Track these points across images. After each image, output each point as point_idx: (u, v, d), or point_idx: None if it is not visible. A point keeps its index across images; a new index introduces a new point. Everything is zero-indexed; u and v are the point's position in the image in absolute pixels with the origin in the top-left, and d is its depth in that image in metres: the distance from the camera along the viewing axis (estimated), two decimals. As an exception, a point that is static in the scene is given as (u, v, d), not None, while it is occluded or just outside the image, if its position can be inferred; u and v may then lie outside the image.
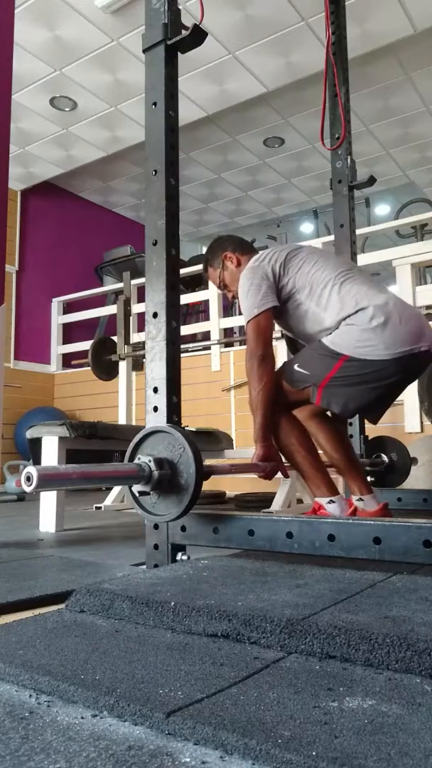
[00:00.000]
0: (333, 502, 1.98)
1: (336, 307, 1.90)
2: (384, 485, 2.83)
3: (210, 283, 5.21)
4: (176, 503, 1.37)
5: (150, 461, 1.35)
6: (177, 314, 1.57)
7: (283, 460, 2.03)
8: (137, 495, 1.41)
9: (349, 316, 1.87)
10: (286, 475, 2.15)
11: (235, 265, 2.20)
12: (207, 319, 5.38)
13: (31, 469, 1.14)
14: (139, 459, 1.39)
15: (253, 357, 1.94)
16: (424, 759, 0.55)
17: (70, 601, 1.16)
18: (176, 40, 1.59)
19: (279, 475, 3.26)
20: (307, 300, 1.97)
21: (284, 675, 0.79)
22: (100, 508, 3.58)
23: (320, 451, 2.06)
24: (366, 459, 2.80)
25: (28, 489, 1.14)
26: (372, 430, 2.90)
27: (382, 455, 2.84)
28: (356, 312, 1.86)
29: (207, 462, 1.64)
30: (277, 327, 2.23)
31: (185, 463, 1.35)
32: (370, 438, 2.87)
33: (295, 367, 1.96)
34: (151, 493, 1.39)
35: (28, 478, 1.13)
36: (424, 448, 3.43)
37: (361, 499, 2.06)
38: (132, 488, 1.42)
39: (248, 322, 1.98)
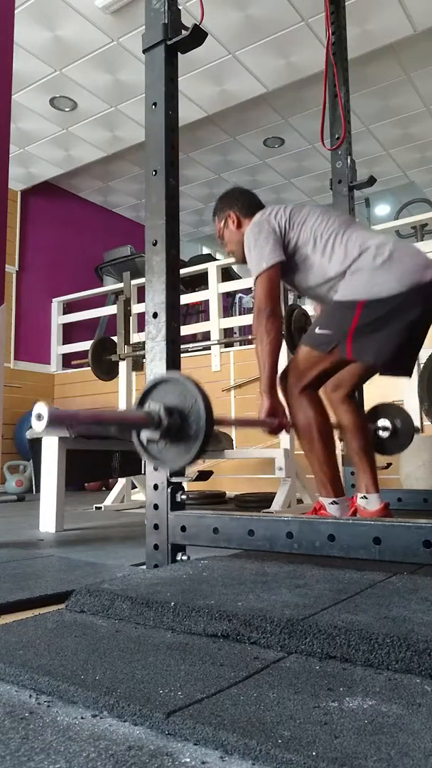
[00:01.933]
0: (336, 503, 1.97)
1: (340, 255, 1.90)
2: (386, 452, 2.82)
3: (210, 284, 5.23)
4: (184, 452, 1.33)
5: (160, 408, 1.33)
6: (177, 314, 1.57)
7: (293, 427, 1.99)
8: (145, 443, 1.38)
9: (354, 262, 1.87)
10: (288, 431, 2.09)
11: (235, 226, 2.18)
12: (207, 319, 5.38)
13: (42, 407, 1.11)
14: (149, 406, 1.36)
15: (262, 312, 1.92)
16: (424, 759, 0.55)
17: (70, 602, 1.16)
18: (176, 40, 1.59)
19: (279, 475, 3.28)
20: (313, 252, 1.96)
21: (284, 675, 0.79)
22: (100, 508, 3.58)
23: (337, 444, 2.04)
24: (370, 425, 2.79)
25: (38, 428, 1.11)
26: (375, 400, 2.88)
27: (386, 421, 2.83)
28: (360, 256, 1.87)
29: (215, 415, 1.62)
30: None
31: (196, 413, 1.31)
32: (373, 406, 2.85)
33: (317, 330, 1.93)
34: (159, 441, 1.36)
35: (39, 416, 1.11)
36: (424, 448, 3.43)
37: (365, 497, 2.06)
38: (140, 436, 1.39)
39: (257, 277, 1.95)
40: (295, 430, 1.98)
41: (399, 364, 1.97)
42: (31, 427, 2.71)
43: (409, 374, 2.04)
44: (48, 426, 1.11)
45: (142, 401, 1.38)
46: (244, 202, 2.21)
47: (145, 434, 1.36)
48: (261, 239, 1.97)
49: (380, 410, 2.82)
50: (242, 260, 2.16)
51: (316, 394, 1.97)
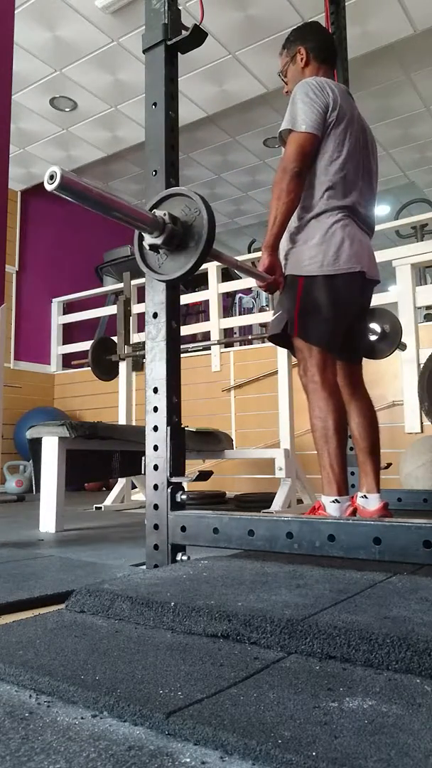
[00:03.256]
0: (337, 501, 1.96)
1: (323, 191, 1.94)
2: (374, 356, 2.85)
3: (210, 284, 5.23)
4: (183, 264, 1.36)
5: (165, 215, 1.35)
6: (177, 314, 1.57)
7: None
8: (147, 249, 1.40)
9: (307, 225, 1.95)
10: (281, 291, 2.09)
11: (302, 64, 2.11)
12: (207, 319, 5.38)
13: (56, 168, 1.10)
14: (155, 214, 1.37)
15: (288, 170, 1.87)
16: (424, 759, 0.55)
17: (70, 602, 1.16)
18: (176, 40, 1.59)
19: (279, 475, 3.28)
20: (321, 161, 1.94)
21: (284, 675, 0.79)
22: (100, 508, 3.58)
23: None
24: None
25: (49, 187, 1.09)
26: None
27: (375, 325, 2.86)
28: (323, 213, 1.93)
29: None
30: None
31: (199, 225, 1.34)
32: None
33: (276, 315, 2.03)
34: (160, 251, 1.38)
35: (52, 177, 1.09)
36: (424, 448, 3.43)
37: (365, 496, 2.07)
38: (143, 241, 1.40)
39: (292, 133, 1.90)
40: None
41: (342, 346, 2.04)
42: (31, 427, 2.71)
43: (354, 360, 2.14)
44: (58, 188, 1.09)
45: (150, 210, 1.40)
46: (320, 43, 2.12)
47: (148, 239, 1.38)
48: (313, 101, 1.90)
49: (370, 315, 2.85)
50: None
51: (335, 387, 1.96)
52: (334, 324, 1.94)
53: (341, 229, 1.93)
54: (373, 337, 2.85)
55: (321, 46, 2.12)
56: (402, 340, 2.93)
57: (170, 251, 1.38)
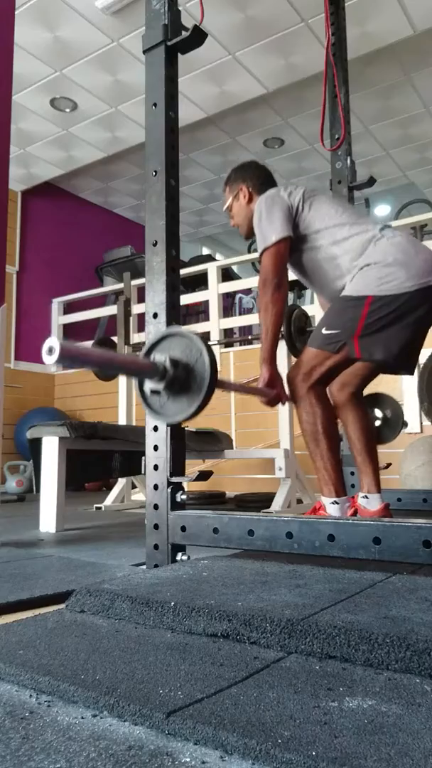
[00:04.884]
0: (336, 503, 1.97)
1: (353, 246, 1.90)
2: (378, 442, 2.84)
3: (210, 284, 5.23)
4: (186, 406, 1.34)
5: (166, 360, 1.34)
6: (177, 315, 1.57)
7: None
8: (148, 394, 1.39)
9: (365, 255, 1.87)
10: (284, 403, 2.10)
11: (246, 201, 2.17)
12: (207, 319, 5.38)
13: (54, 341, 1.09)
14: (154, 358, 1.37)
15: (269, 283, 1.91)
16: (424, 759, 0.55)
17: (71, 601, 1.16)
18: (176, 41, 1.60)
19: (279, 475, 3.28)
20: (325, 238, 1.95)
21: (284, 675, 0.79)
22: (100, 508, 3.58)
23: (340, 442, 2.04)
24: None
25: (48, 360, 1.10)
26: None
27: (377, 411, 2.85)
28: (372, 249, 1.86)
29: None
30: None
31: (201, 368, 1.32)
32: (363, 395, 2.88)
33: (323, 331, 1.91)
34: (162, 392, 1.37)
35: (50, 350, 1.09)
36: (423, 448, 3.43)
37: (366, 497, 2.07)
38: (143, 386, 1.40)
39: (265, 249, 1.93)
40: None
41: (405, 361, 1.97)
42: (31, 427, 2.71)
43: (411, 372, 2.05)
44: (59, 360, 1.10)
45: (148, 353, 1.39)
46: (259, 178, 2.19)
47: (149, 385, 1.37)
48: (273, 212, 1.95)
49: (370, 400, 2.84)
50: (248, 235, 2.15)
51: (324, 393, 1.96)
52: (403, 340, 1.87)
53: (393, 246, 1.86)
54: (375, 423, 2.85)
55: (261, 180, 2.19)
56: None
57: (172, 393, 1.37)
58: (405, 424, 2.90)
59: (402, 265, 1.80)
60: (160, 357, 1.35)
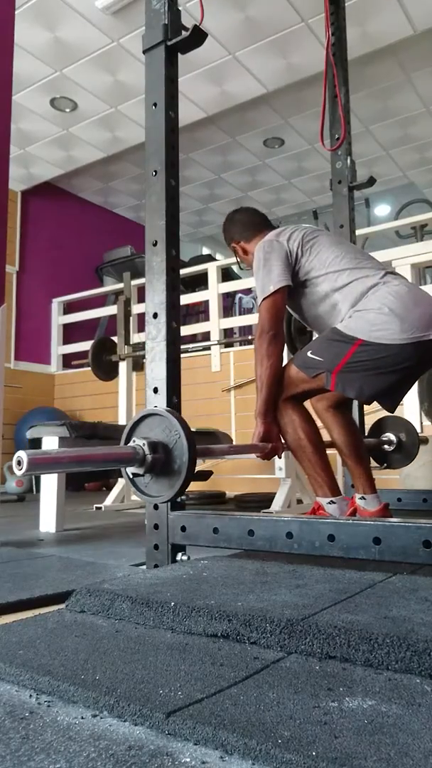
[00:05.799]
0: (333, 503, 1.98)
1: (353, 292, 1.88)
2: (392, 466, 2.81)
3: (210, 284, 5.23)
4: (168, 487, 1.37)
5: (144, 444, 1.35)
6: (177, 315, 1.57)
7: (283, 441, 1.99)
8: (131, 476, 1.42)
9: (362, 302, 1.86)
10: (280, 456, 2.10)
11: (243, 254, 2.20)
12: (207, 319, 5.38)
13: (22, 454, 1.12)
14: (134, 441, 1.38)
15: (265, 335, 1.91)
16: (424, 759, 0.55)
17: (71, 602, 1.16)
18: (176, 40, 1.60)
19: (279, 475, 3.28)
20: (326, 284, 1.94)
21: (284, 675, 0.79)
22: (100, 508, 3.58)
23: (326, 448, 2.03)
24: (373, 439, 2.77)
25: (19, 473, 1.12)
26: (379, 412, 2.87)
27: (390, 435, 2.81)
28: (370, 296, 1.85)
29: (205, 445, 1.66)
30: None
31: (179, 449, 1.34)
32: (378, 419, 2.83)
33: (308, 354, 1.91)
34: (144, 475, 1.39)
35: (19, 463, 1.12)
36: (424, 449, 3.43)
37: (363, 498, 2.07)
38: (126, 470, 1.42)
39: (263, 300, 1.94)
40: (283, 438, 1.98)
41: (383, 400, 1.97)
42: (31, 427, 2.71)
43: (391, 409, 2.03)
44: (27, 472, 1.12)
45: (128, 436, 1.42)
46: (244, 226, 2.20)
47: (130, 470, 1.40)
48: (271, 260, 1.95)
49: (384, 424, 2.82)
50: None
51: (300, 402, 1.98)
52: (382, 385, 1.86)
53: (392, 296, 1.83)
54: (388, 448, 2.79)
55: (246, 228, 2.20)
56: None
57: (154, 475, 1.39)
58: (425, 441, 2.84)
59: (397, 316, 1.78)
60: (139, 441, 1.37)
